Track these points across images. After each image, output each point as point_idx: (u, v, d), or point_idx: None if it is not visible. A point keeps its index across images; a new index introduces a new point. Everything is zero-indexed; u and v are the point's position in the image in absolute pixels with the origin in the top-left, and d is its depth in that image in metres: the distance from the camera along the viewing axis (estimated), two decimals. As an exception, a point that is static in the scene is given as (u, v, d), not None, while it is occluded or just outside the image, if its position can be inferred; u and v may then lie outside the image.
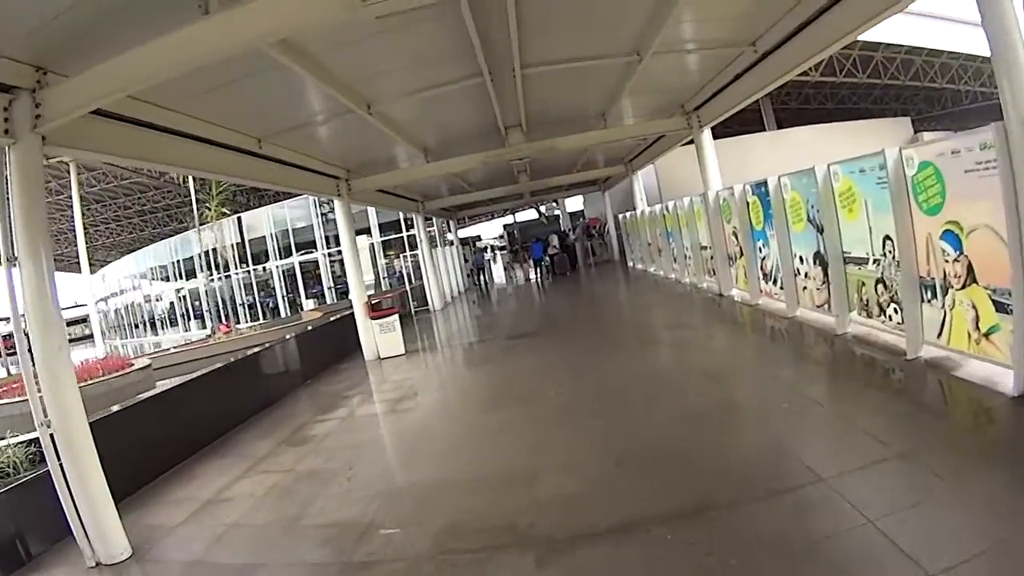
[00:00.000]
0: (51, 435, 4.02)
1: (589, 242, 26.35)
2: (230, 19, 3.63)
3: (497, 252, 41.14)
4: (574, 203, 37.80)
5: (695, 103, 10.35)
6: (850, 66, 20.72)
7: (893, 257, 5.31)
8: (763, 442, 4.21)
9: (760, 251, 8.39)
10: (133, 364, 11.67)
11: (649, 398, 5.62)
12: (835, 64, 20.46)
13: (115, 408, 5.77)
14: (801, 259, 7.18)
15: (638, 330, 9.10)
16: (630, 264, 18.89)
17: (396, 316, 10.84)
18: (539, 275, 21.25)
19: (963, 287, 4.53)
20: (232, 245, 27.08)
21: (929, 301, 4.97)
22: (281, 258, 27.52)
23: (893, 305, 5.48)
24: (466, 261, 24.74)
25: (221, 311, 27.45)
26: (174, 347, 22.03)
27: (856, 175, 5.75)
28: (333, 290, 26.08)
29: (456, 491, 4.35)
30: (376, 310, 10.93)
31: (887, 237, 5.39)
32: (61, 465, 4.03)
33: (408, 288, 17.53)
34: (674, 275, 13.64)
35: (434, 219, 24.23)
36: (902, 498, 3.06)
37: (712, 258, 10.58)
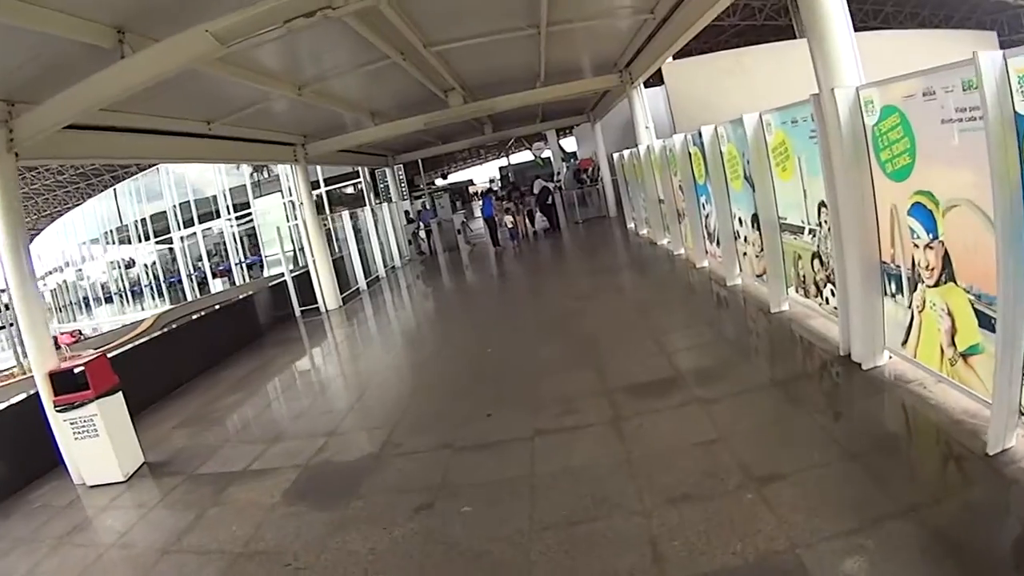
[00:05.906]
0: None
1: (580, 189, 19.89)
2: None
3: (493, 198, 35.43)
4: (572, 144, 31.36)
5: None
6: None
7: None
8: None
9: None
10: None
11: None
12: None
13: None
14: None
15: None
16: (630, 226, 12.68)
17: (95, 403, 4.81)
18: (495, 239, 15.42)
19: None
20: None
21: None
22: (184, 228, 21.38)
23: None
24: (410, 221, 18.36)
25: (90, 299, 21.71)
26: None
27: None
28: (242, 266, 19.91)
29: None
30: (64, 390, 4.92)
31: None
32: None
33: (290, 278, 11.33)
34: (707, 263, 7.46)
35: (363, 170, 17.77)
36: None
37: (821, 260, 4.37)
